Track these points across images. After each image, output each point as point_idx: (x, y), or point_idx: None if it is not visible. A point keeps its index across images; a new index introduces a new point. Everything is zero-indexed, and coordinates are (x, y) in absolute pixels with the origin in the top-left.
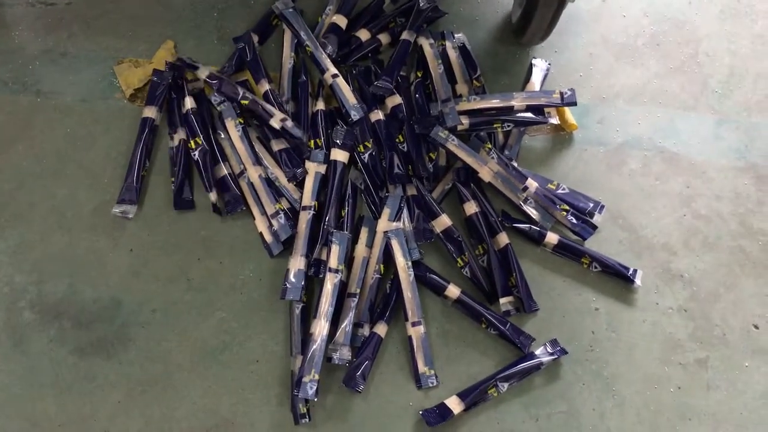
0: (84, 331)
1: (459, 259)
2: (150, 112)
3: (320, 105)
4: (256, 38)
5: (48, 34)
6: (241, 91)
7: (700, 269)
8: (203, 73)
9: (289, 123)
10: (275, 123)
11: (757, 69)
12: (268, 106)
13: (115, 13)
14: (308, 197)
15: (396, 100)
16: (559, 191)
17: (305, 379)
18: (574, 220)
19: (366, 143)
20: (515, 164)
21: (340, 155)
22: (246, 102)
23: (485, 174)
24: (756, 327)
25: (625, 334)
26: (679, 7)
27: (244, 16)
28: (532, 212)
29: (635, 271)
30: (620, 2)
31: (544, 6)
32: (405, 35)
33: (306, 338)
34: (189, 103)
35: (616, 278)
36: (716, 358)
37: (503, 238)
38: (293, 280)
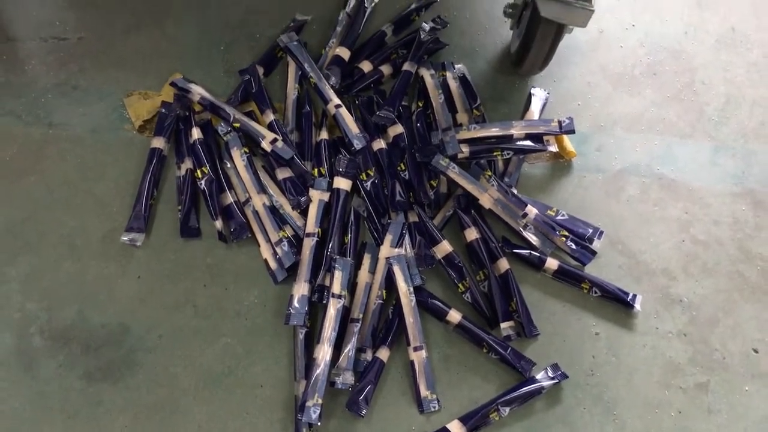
0: (92, 356)
1: (460, 285)
2: (158, 142)
3: (324, 134)
4: (261, 70)
5: (60, 68)
6: (231, 113)
7: (700, 294)
8: (195, 96)
9: (279, 144)
10: (265, 144)
11: (752, 96)
12: (260, 128)
13: (124, 47)
14: (312, 224)
15: (398, 129)
16: (559, 217)
17: (309, 404)
18: (574, 246)
19: (368, 171)
20: (515, 191)
21: (343, 183)
22: (237, 125)
23: (485, 201)
24: (755, 351)
25: (626, 359)
26: (675, 37)
27: (250, 49)
28: (532, 238)
29: (635, 296)
30: (617, 33)
31: (541, 37)
32: (406, 66)
33: (309, 363)
34: (196, 133)
35: (616, 303)
36: (716, 382)
37: (504, 264)
38: (297, 305)
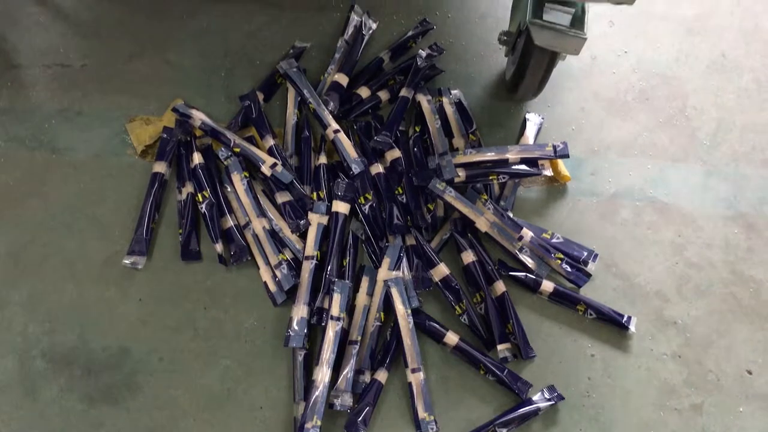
0: (93, 379)
1: (457, 307)
2: (160, 167)
3: (323, 159)
4: (261, 96)
5: (64, 94)
6: (232, 138)
7: (693, 316)
8: (196, 121)
9: (279, 168)
10: (265, 169)
11: (743, 121)
12: (260, 153)
13: (127, 74)
14: (311, 247)
15: (395, 153)
16: (554, 240)
17: (308, 425)
18: (569, 269)
19: (367, 195)
20: (511, 214)
21: (341, 207)
22: (238, 149)
23: (482, 224)
24: (749, 372)
25: (621, 380)
26: (666, 63)
27: (250, 76)
28: (528, 261)
29: (629, 318)
30: (610, 59)
31: (535, 64)
32: (404, 92)
33: (308, 385)
34: (197, 158)
35: (611, 325)
36: (711, 404)
37: (500, 286)
38: (296, 327)
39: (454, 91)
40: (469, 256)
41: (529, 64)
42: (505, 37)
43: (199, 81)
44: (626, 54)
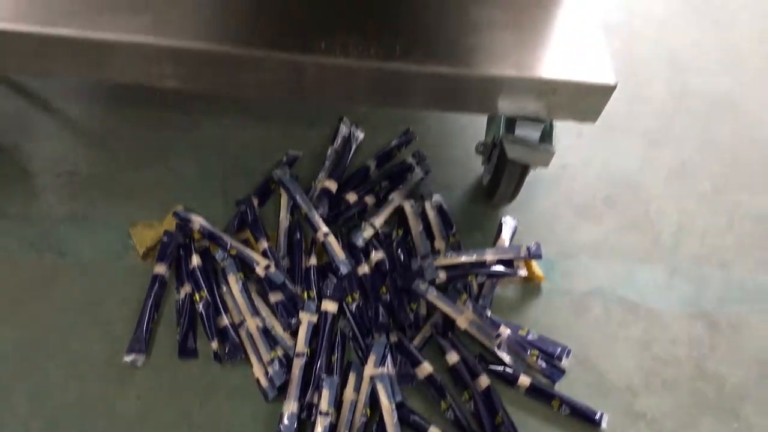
0: None
1: (442, 403)
2: (160, 269)
3: (313, 260)
4: (256, 201)
5: (72, 200)
6: (228, 241)
7: (662, 410)
8: (195, 225)
9: (272, 269)
10: (259, 270)
11: (702, 225)
12: (254, 255)
13: (131, 181)
14: (301, 345)
15: (380, 255)
16: (530, 337)
17: None
18: (544, 365)
19: (354, 294)
20: (489, 313)
21: (330, 306)
22: (234, 252)
23: (462, 322)
24: None
25: None
26: (630, 170)
27: (247, 181)
28: (506, 357)
29: (602, 414)
30: (578, 168)
31: (509, 173)
32: (396, 198)
33: None
34: (195, 260)
35: (585, 421)
36: None
37: (485, 380)
38: (287, 422)
39: (435, 196)
40: (453, 357)
41: (504, 173)
42: (482, 148)
43: (198, 187)
44: (593, 162)
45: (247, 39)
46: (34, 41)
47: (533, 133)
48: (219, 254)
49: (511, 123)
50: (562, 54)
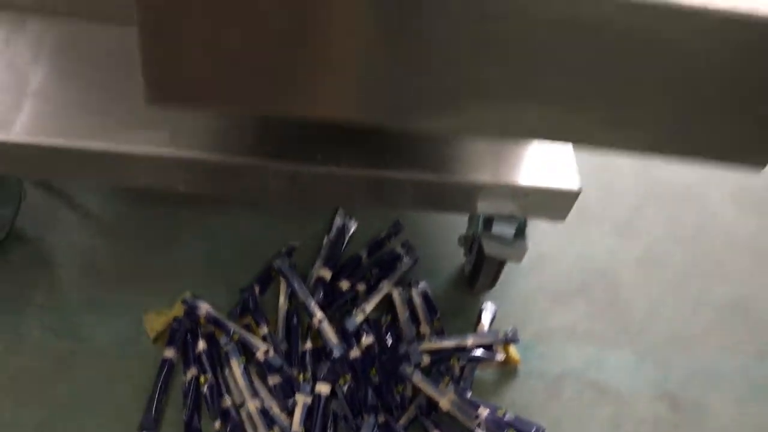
0: None
1: None
2: (169, 353)
3: (308, 345)
4: (258, 288)
5: (90, 288)
6: (232, 327)
7: None
8: (202, 311)
9: (271, 354)
10: (260, 354)
11: (669, 312)
12: (255, 341)
13: (144, 270)
14: (297, 425)
15: (370, 340)
16: (507, 417)
17: None
18: None
19: (345, 377)
20: (469, 394)
21: (324, 388)
22: (236, 337)
23: (444, 404)
24: None
25: None
26: (601, 259)
27: (249, 270)
28: None
29: None
30: (554, 257)
31: (488, 266)
32: (386, 287)
33: None
34: (201, 345)
35: None
36: None
37: None
38: None
39: (421, 284)
40: None
41: (483, 265)
42: (463, 241)
43: (205, 275)
44: (568, 251)
45: (252, 150)
46: (65, 153)
47: (508, 230)
48: (223, 339)
49: (488, 221)
50: (534, 163)
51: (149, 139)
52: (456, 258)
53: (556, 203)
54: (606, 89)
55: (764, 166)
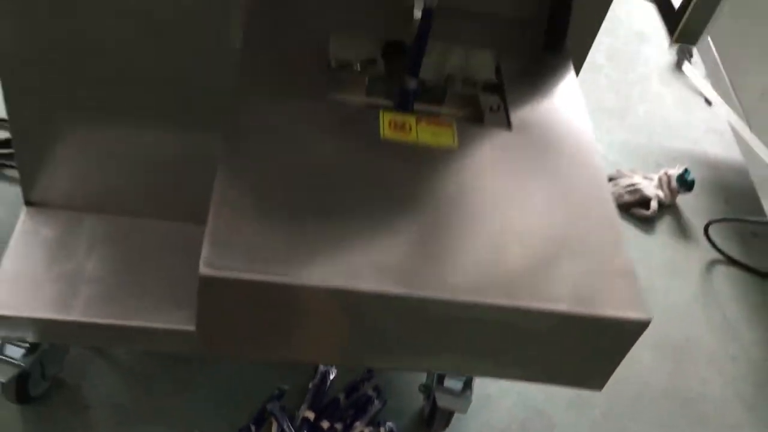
0: None
1: None
2: None
3: None
4: (254, 429)
5: (117, 427)
6: None
7: None
8: None
9: None
10: None
11: None
12: None
13: (161, 411)
14: None
15: None
16: None
17: None
18: None
19: None
20: None
21: None
22: None
23: None
24: None
25: None
26: (538, 400)
27: (247, 409)
28: None
29: None
30: (498, 398)
31: (440, 413)
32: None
33: None
34: None
35: None
36: None
37: None
38: None
39: (388, 423)
40: None
41: (437, 411)
42: (423, 389)
43: (211, 416)
44: (510, 393)
45: None
46: (111, 329)
47: (457, 384)
48: None
49: (441, 376)
50: None
51: (178, 318)
52: (418, 401)
53: None
54: (484, 347)
55: (601, 388)
